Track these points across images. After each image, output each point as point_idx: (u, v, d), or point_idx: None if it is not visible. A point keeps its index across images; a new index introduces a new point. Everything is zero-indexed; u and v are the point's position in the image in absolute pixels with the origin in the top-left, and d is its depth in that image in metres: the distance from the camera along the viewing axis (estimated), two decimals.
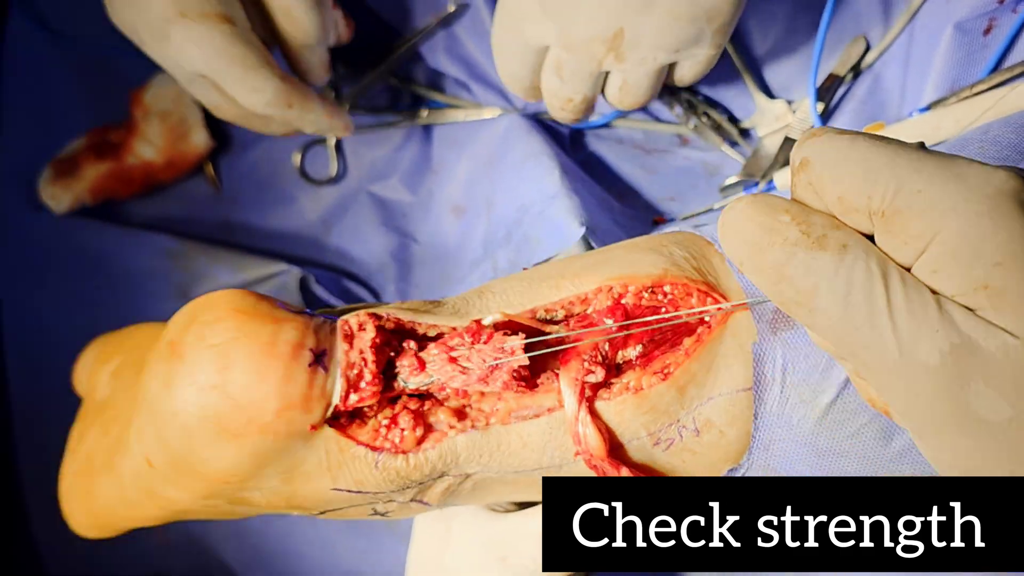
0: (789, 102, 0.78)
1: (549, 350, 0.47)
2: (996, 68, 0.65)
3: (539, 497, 0.53)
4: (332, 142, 0.91)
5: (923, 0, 0.69)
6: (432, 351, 0.47)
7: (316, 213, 0.93)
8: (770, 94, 0.80)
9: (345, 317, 0.47)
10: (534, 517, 0.55)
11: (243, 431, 0.44)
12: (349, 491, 0.47)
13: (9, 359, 0.93)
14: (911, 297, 0.33)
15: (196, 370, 0.44)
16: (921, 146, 0.34)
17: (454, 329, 0.48)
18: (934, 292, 0.33)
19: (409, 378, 0.47)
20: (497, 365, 0.46)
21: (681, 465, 0.49)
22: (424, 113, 0.88)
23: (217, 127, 0.94)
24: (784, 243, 0.34)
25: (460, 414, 0.48)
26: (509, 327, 0.48)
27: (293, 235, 0.93)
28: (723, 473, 0.50)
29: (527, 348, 0.47)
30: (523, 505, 0.58)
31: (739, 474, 0.49)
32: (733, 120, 0.81)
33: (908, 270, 0.34)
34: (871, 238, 0.35)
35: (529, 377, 0.48)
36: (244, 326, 0.44)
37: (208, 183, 0.95)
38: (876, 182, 0.33)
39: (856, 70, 0.74)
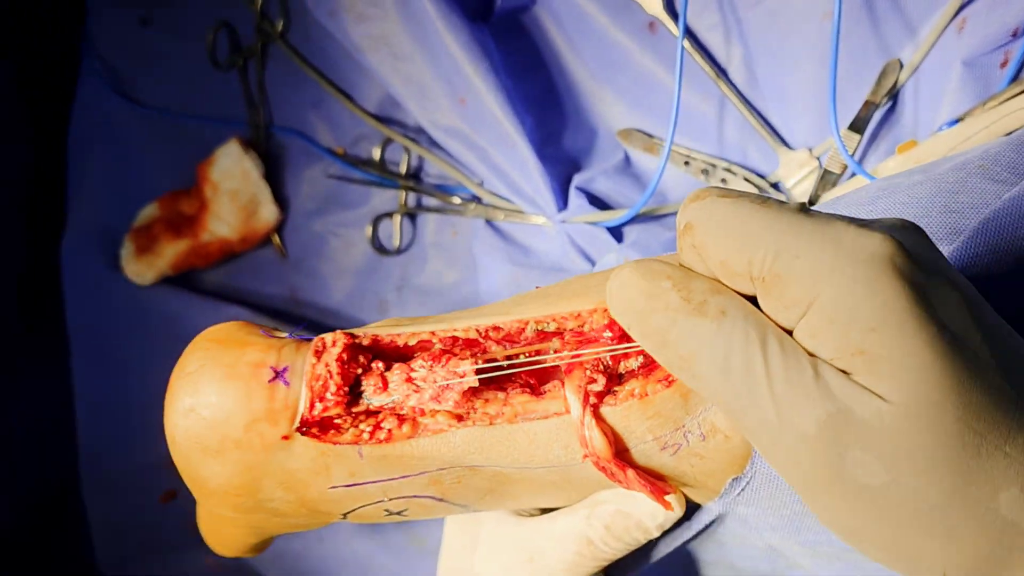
0: (810, 149, 0.77)
1: (515, 370, 0.48)
2: (1015, 79, 0.64)
3: (562, 503, 0.53)
4: (398, 219, 0.93)
5: (951, 17, 0.68)
6: (395, 372, 0.49)
7: (380, 284, 0.95)
8: (788, 145, 0.79)
9: (322, 336, 0.49)
10: (559, 520, 0.55)
11: (221, 447, 0.47)
12: (346, 485, 0.49)
13: (79, 411, 0.97)
14: (788, 364, 0.32)
15: (176, 397, 0.47)
16: (803, 208, 0.34)
17: (433, 334, 0.49)
18: (812, 356, 0.32)
19: (373, 396, 0.49)
20: (448, 385, 0.47)
21: (689, 470, 0.48)
22: (471, 206, 0.90)
23: (282, 199, 0.97)
24: (666, 309, 0.34)
25: (459, 418, 0.48)
26: (493, 337, 0.49)
27: (353, 305, 0.96)
28: (727, 483, 0.49)
29: (497, 369, 0.48)
30: (547, 510, 0.57)
31: (743, 484, 0.48)
32: (760, 176, 0.80)
33: (791, 333, 0.33)
34: (756, 301, 0.34)
35: (536, 386, 0.49)
36: (211, 353, 0.47)
37: (276, 251, 0.97)
38: (756, 247, 0.32)
39: (892, 93, 0.73)
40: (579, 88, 0.85)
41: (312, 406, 0.47)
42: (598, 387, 0.47)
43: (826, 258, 0.31)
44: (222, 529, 0.56)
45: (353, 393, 0.49)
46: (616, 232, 0.81)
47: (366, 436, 0.48)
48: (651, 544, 0.56)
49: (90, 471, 0.97)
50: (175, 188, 0.98)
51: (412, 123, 0.91)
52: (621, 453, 0.47)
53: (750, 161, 0.80)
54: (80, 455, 0.97)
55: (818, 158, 0.76)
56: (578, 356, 0.47)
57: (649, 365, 0.48)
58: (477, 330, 0.49)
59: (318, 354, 0.48)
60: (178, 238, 0.96)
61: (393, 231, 0.93)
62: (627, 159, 0.84)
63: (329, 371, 0.48)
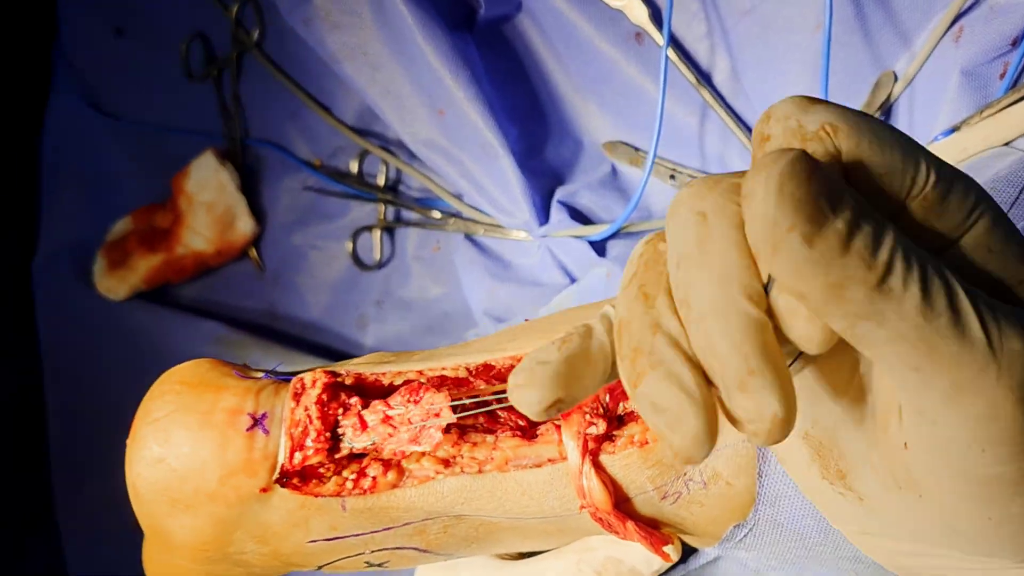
0: None
1: (496, 407, 0.43)
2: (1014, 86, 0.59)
3: (548, 546, 0.49)
4: (377, 232, 0.88)
5: (948, 27, 0.63)
6: (372, 411, 0.44)
7: (359, 298, 0.91)
8: None
9: (301, 375, 0.44)
10: (547, 566, 0.51)
11: (193, 501, 0.43)
12: (326, 539, 0.44)
13: (51, 430, 0.93)
14: (971, 290, 0.25)
15: (142, 446, 0.43)
16: None
17: (420, 373, 0.45)
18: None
19: (353, 439, 0.44)
20: (424, 426, 0.43)
21: (689, 518, 0.45)
22: (451, 220, 0.85)
23: (259, 212, 0.92)
24: (849, 210, 0.24)
25: (446, 463, 0.44)
26: (484, 375, 0.45)
27: (332, 320, 0.91)
28: (729, 530, 0.45)
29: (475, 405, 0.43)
30: (530, 554, 0.52)
31: (746, 531, 0.45)
32: None
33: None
34: None
35: (528, 427, 0.44)
36: (182, 398, 0.43)
37: (253, 265, 0.92)
38: (918, 162, 0.26)
39: (886, 106, 0.68)
40: (563, 100, 0.80)
41: (292, 455, 0.42)
42: (597, 431, 0.42)
43: (977, 184, 0.27)
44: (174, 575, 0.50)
45: (335, 437, 0.44)
46: (599, 247, 0.76)
47: (349, 485, 0.43)
48: None
49: (63, 492, 0.92)
50: (149, 201, 0.94)
51: (391, 135, 0.86)
52: (621, 504, 0.43)
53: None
54: (53, 475, 0.93)
55: None
56: None
57: None
58: (467, 368, 0.45)
59: (297, 397, 0.43)
60: (152, 252, 0.91)
61: (373, 245, 0.88)
62: (613, 172, 0.79)
63: (309, 415, 0.43)
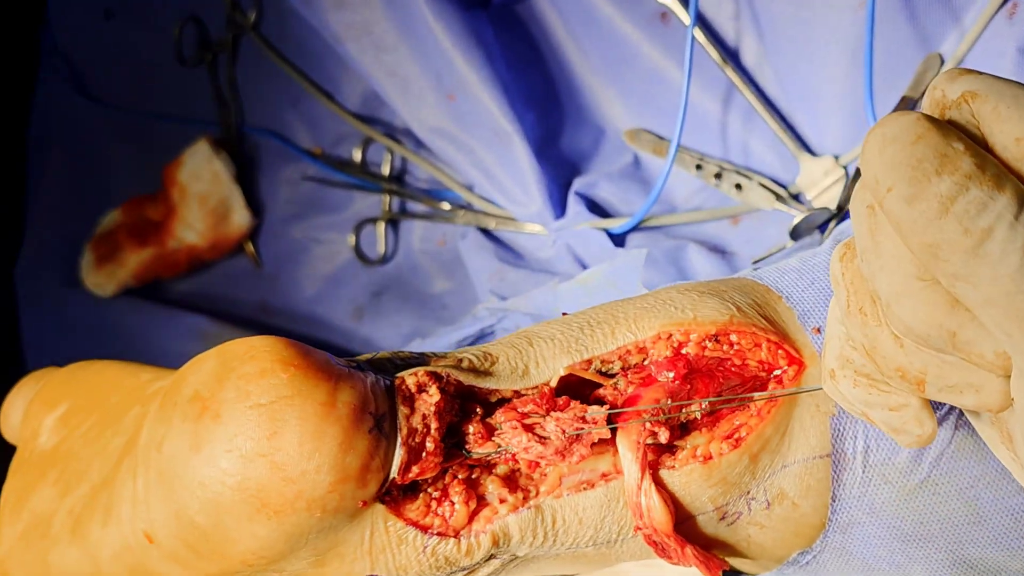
0: (836, 156, 0.66)
1: (626, 423, 0.39)
2: None
3: (576, 571, 0.45)
4: (382, 225, 0.83)
5: (1000, 3, 0.59)
6: (499, 418, 0.39)
7: (358, 291, 0.86)
8: (811, 151, 0.68)
9: (402, 375, 0.38)
10: None
11: (286, 508, 0.35)
12: None
13: None
14: None
15: (239, 434, 0.34)
16: None
17: (516, 393, 0.40)
18: None
19: (475, 447, 0.38)
20: (578, 437, 0.38)
21: (745, 540, 0.40)
22: (461, 212, 0.80)
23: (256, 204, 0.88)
24: (955, 173, 0.25)
25: (511, 482, 0.39)
26: (572, 378, 0.40)
27: (327, 314, 0.87)
28: (792, 557, 0.41)
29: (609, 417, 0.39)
30: None
31: (809, 559, 0.41)
32: (779, 184, 0.69)
33: None
34: None
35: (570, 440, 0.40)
36: (297, 383, 0.35)
37: (249, 260, 0.88)
38: None
39: None
40: (582, 84, 0.75)
41: (406, 468, 0.36)
42: (661, 440, 0.38)
43: None
44: None
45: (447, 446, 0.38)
46: (618, 242, 0.71)
47: (434, 505, 0.38)
48: None
49: None
50: (140, 192, 0.89)
51: (397, 121, 0.82)
52: (680, 524, 0.38)
53: (768, 167, 0.70)
54: None
55: (844, 167, 0.66)
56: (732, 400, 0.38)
57: (715, 413, 0.39)
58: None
59: (408, 402, 0.37)
60: (143, 246, 0.87)
61: (377, 238, 0.83)
62: (635, 162, 0.74)
63: (427, 425, 0.37)
